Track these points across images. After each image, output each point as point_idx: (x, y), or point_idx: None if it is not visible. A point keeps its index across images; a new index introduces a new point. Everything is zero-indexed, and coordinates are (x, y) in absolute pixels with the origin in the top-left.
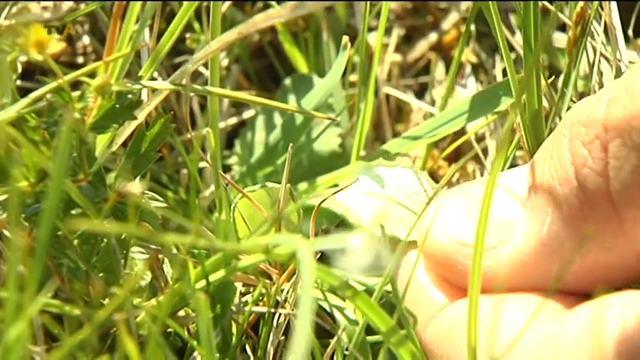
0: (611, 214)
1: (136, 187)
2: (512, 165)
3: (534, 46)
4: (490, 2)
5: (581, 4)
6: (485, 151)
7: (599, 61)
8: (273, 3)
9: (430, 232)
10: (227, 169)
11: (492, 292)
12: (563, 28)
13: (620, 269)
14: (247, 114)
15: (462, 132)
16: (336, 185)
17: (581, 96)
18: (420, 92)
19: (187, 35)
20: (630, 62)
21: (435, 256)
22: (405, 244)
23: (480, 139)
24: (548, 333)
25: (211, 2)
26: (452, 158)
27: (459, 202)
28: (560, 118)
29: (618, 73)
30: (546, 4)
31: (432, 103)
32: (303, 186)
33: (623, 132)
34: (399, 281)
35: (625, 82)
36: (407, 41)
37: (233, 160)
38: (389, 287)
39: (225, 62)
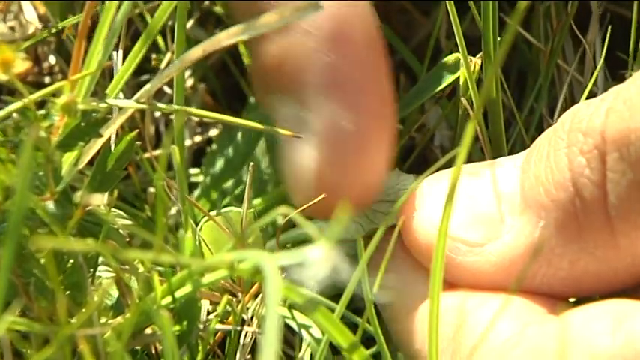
0: (606, 226)
1: (99, 199)
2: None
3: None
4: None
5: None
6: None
7: (570, 80)
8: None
9: (415, 220)
10: (194, 186)
11: (475, 289)
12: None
13: (607, 279)
14: (214, 132)
15: (423, 141)
16: None
17: (551, 110)
18: None
19: (153, 56)
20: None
21: (420, 247)
22: (383, 230)
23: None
24: (529, 337)
25: (177, 19)
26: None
27: (445, 188)
28: (527, 131)
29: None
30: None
31: (401, 120)
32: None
33: (621, 146)
34: (373, 268)
35: (624, 93)
36: None
37: (200, 178)
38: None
39: (190, 81)
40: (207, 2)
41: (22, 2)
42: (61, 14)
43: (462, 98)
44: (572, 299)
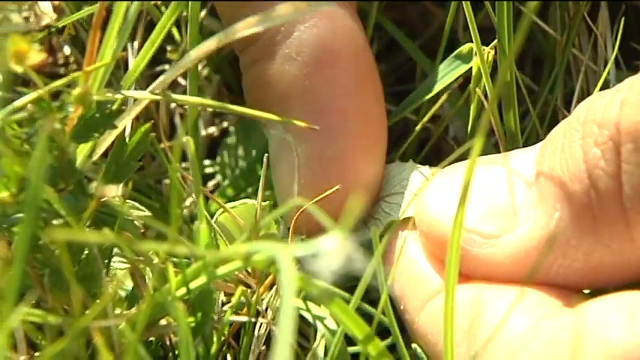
0: (621, 217)
1: (114, 190)
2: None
3: (508, 47)
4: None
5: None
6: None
7: (585, 69)
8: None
9: (430, 211)
10: (209, 177)
11: (490, 281)
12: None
13: (622, 271)
14: (228, 123)
15: (437, 132)
16: None
17: (566, 102)
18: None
19: (168, 48)
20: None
21: (435, 238)
22: (398, 222)
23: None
24: (544, 330)
25: (189, 13)
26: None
27: (460, 180)
28: (541, 122)
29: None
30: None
31: (416, 110)
32: None
33: (636, 137)
34: (388, 260)
35: (638, 84)
36: (389, 50)
37: (215, 169)
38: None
39: (205, 72)
40: None
41: None
42: (76, 5)
43: (477, 89)
44: (586, 291)
